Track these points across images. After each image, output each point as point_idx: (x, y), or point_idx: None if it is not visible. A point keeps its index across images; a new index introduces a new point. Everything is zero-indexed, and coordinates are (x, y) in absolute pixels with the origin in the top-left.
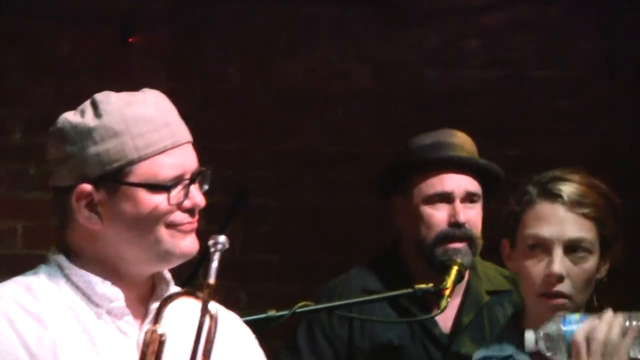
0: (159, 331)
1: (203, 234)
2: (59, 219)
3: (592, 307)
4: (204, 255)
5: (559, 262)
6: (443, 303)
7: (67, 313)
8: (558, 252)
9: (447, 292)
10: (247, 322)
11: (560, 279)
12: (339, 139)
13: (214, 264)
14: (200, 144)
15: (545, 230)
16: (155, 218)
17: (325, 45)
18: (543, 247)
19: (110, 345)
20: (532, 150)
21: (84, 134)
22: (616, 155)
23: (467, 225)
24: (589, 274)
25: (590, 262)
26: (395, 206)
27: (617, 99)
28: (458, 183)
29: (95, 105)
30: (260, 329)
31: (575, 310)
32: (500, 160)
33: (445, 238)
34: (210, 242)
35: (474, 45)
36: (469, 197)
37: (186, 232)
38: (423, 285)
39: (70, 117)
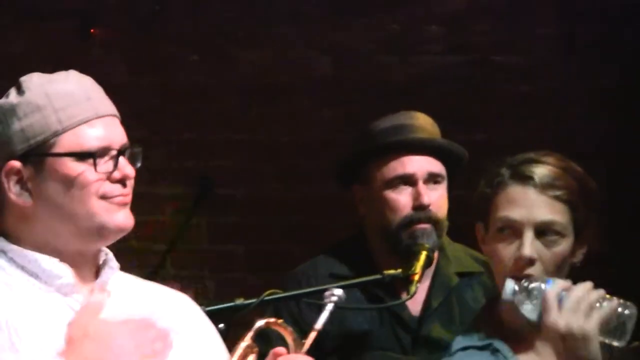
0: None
1: (169, 225)
2: None
3: None
4: (171, 244)
5: (529, 245)
6: (412, 288)
7: (17, 295)
8: (528, 235)
9: (417, 277)
10: (215, 311)
11: (530, 262)
12: (300, 128)
13: (325, 314)
14: (162, 136)
15: (516, 213)
16: (84, 188)
17: (283, 35)
18: (513, 229)
19: (63, 323)
20: (496, 134)
21: (8, 112)
22: (577, 137)
23: (431, 207)
24: (561, 257)
25: (563, 246)
26: (357, 195)
27: (578, 81)
28: (420, 164)
29: (18, 85)
30: (228, 318)
31: None
32: (464, 145)
33: (410, 222)
34: (327, 292)
35: (433, 31)
36: (432, 178)
37: (119, 205)
38: (392, 271)
39: None
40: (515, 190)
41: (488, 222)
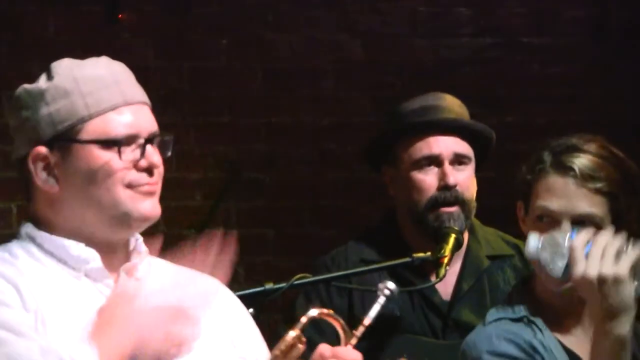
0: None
1: (199, 209)
2: (25, 193)
3: None
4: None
5: None
6: (442, 271)
7: (47, 281)
8: (566, 227)
9: (446, 260)
10: (245, 296)
11: None
12: (330, 111)
13: (377, 307)
14: (191, 121)
15: (555, 204)
16: (109, 176)
17: (314, 19)
18: (552, 218)
19: (92, 308)
20: (526, 117)
21: (37, 97)
22: (608, 120)
23: (457, 188)
24: None
25: None
26: (386, 177)
27: (608, 64)
28: (445, 145)
29: (48, 71)
30: (258, 302)
31: None
32: (494, 127)
33: (436, 202)
34: (381, 285)
35: (464, 14)
36: (458, 159)
37: (145, 194)
38: (421, 254)
39: (25, 85)
40: (556, 181)
41: (528, 205)
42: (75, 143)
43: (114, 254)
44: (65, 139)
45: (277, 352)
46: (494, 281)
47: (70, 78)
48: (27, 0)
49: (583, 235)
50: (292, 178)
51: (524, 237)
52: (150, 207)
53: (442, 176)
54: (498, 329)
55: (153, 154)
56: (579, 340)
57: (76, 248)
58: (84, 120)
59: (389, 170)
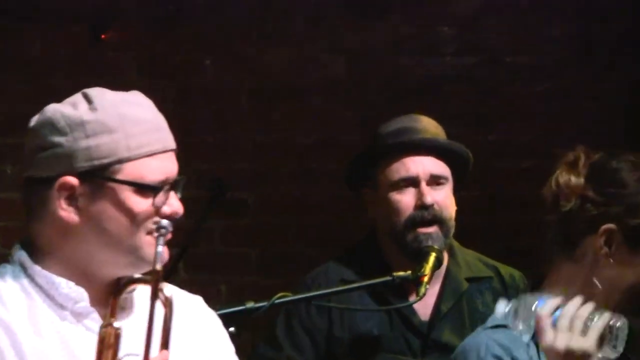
0: (115, 325)
1: (181, 229)
2: (28, 212)
3: None
4: (185, 247)
5: None
6: (422, 290)
7: (34, 316)
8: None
9: (426, 278)
10: (226, 314)
11: None
12: (315, 129)
13: (159, 249)
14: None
15: None
16: (136, 220)
17: (299, 36)
18: None
19: (79, 344)
20: (510, 135)
21: (76, 126)
22: (593, 136)
23: (435, 207)
24: None
25: None
26: (366, 199)
27: (593, 80)
28: (422, 166)
29: (89, 99)
30: (239, 321)
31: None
32: (479, 145)
33: (414, 222)
34: (152, 226)
35: (447, 33)
36: (435, 180)
37: (164, 241)
38: (402, 273)
39: (61, 107)
40: None
41: None
42: (110, 182)
43: (105, 286)
44: (101, 176)
45: None
46: (473, 303)
47: (115, 115)
48: (11, 19)
49: (550, 304)
50: (276, 196)
51: (507, 256)
52: (166, 254)
53: (420, 196)
54: (491, 339)
55: (175, 202)
56: None
57: (66, 287)
58: (122, 162)
59: (368, 193)
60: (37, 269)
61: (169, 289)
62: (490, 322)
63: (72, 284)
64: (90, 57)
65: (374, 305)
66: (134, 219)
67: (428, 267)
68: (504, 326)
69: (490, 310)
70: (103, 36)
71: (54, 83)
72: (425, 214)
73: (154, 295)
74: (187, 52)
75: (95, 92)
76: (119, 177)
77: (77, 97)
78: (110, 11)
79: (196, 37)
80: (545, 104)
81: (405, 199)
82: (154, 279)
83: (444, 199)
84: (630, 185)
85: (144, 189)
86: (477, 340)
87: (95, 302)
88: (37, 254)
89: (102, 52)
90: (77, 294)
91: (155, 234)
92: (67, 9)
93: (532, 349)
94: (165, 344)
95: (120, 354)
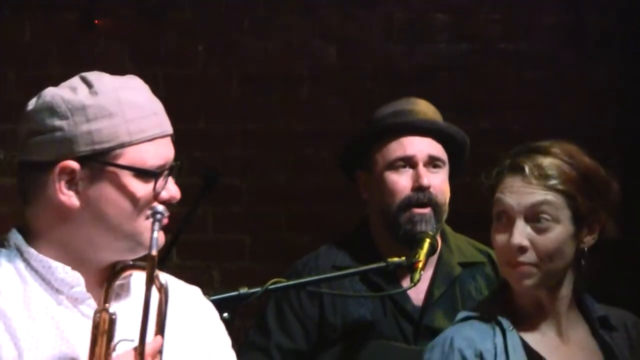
0: (110, 310)
1: (174, 216)
2: (24, 196)
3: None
4: (177, 234)
5: (518, 234)
6: (416, 276)
7: (29, 301)
8: (518, 223)
9: (420, 264)
10: (220, 300)
11: (521, 249)
12: (306, 118)
13: (155, 234)
14: None
15: (507, 200)
16: (137, 204)
17: (290, 25)
18: (507, 217)
19: (74, 329)
20: (502, 123)
21: (77, 110)
22: (584, 126)
23: (431, 190)
24: (555, 243)
25: (556, 232)
26: (360, 181)
27: (583, 70)
28: (420, 146)
29: (88, 83)
30: (232, 307)
31: (545, 278)
32: (470, 133)
33: (409, 203)
34: (149, 212)
35: (439, 21)
36: (432, 162)
37: (161, 226)
38: (396, 259)
39: (60, 91)
40: (509, 180)
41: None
42: (111, 167)
43: (101, 272)
44: (102, 160)
45: None
46: (466, 289)
47: (115, 100)
48: (3, 6)
49: None
50: (268, 184)
51: None
52: (163, 239)
53: (416, 177)
54: (458, 334)
55: (173, 187)
56: (547, 339)
57: (62, 271)
58: (123, 146)
59: (362, 175)
60: (33, 253)
61: (165, 278)
62: (460, 315)
63: (68, 268)
64: (81, 45)
65: (367, 291)
66: (135, 204)
67: (422, 253)
68: (475, 317)
69: (483, 296)
70: (96, 21)
71: (45, 70)
72: (421, 196)
73: (149, 281)
74: (178, 40)
75: (94, 77)
76: (120, 161)
77: (76, 81)
78: None
79: (188, 25)
80: (537, 92)
81: (402, 180)
82: (150, 265)
83: (440, 183)
84: None
85: (145, 174)
86: (444, 336)
87: (91, 287)
88: (33, 239)
89: (93, 39)
90: (73, 278)
91: (151, 219)
92: None
93: (499, 337)
94: (159, 331)
95: (116, 339)
